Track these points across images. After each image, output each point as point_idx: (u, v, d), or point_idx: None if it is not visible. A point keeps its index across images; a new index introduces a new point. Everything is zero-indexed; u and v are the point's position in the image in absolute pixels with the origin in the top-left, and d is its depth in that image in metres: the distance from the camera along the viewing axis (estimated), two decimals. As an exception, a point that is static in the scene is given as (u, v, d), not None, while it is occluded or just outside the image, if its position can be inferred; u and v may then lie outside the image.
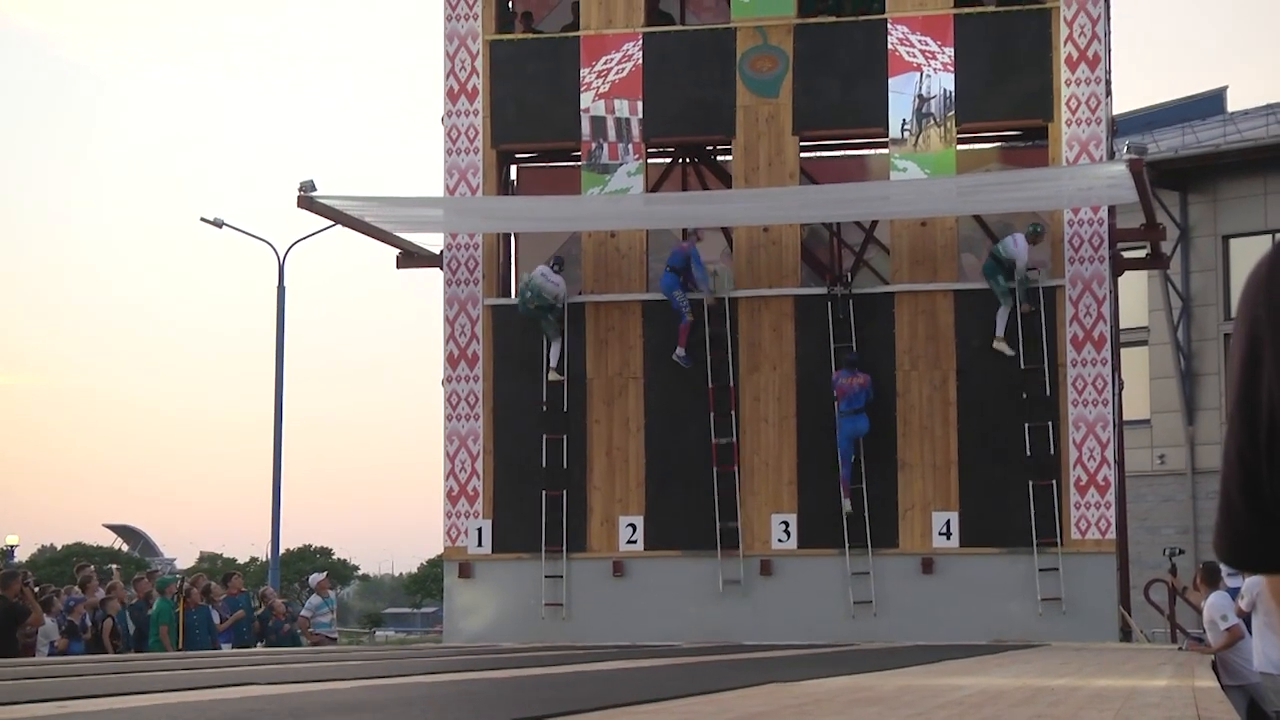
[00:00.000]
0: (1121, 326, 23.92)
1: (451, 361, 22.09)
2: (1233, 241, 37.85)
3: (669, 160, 23.88)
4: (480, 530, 21.82)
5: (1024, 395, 20.93)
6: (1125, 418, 24.19)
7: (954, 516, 20.91)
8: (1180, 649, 16.99)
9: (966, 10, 21.57)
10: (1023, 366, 20.93)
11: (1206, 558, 17.36)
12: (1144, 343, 37.94)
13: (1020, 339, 21.01)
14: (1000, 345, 20.93)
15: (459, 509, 21.89)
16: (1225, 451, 2.09)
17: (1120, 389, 22.19)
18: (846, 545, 20.94)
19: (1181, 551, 24.06)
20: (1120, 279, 22.35)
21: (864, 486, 20.99)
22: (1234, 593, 14.89)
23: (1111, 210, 21.38)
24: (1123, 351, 23.96)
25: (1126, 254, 22.92)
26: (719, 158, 23.27)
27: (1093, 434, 20.79)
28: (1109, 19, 21.70)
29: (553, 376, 21.71)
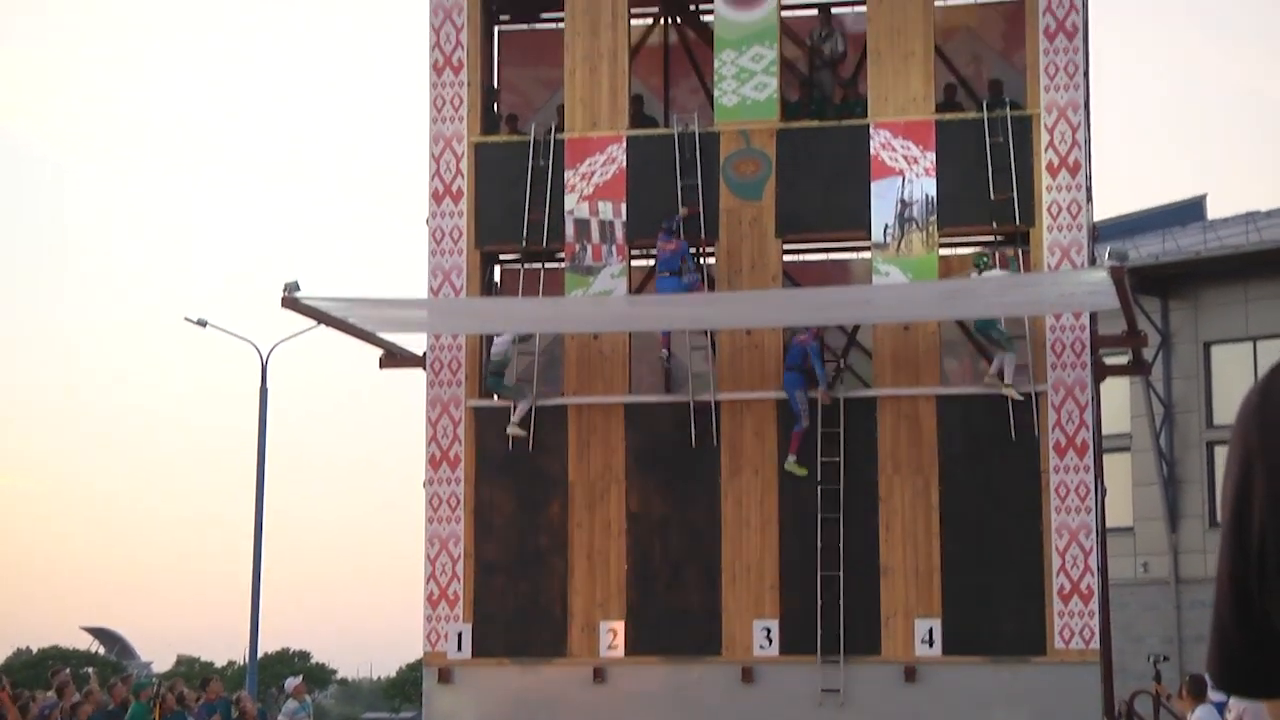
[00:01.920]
0: (1104, 433, 23.89)
1: (433, 463, 21.98)
2: (1214, 348, 37.97)
3: (652, 262, 23.90)
4: (460, 634, 21.62)
5: (1007, 501, 20.87)
6: (1108, 525, 24.11)
7: (937, 624, 20.76)
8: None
9: (948, 116, 21.71)
10: (1005, 470, 20.88)
11: (1191, 667, 17.25)
12: (1126, 449, 37.93)
13: (1003, 445, 20.98)
14: (1009, 390, 20.84)
15: (439, 612, 21.70)
16: (1218, 574, 2.13)
17: (1103, 496, 22.14)
18: (827, 653, 20.76)
19: (1166, 658, 23.91)
20: (1102, 385, 22.36)
21: (842, 593, 20.86)
22: (1220, 707, 14.76)
23: (1093, 316, 21.42)
24: (1105, 458, 23.92)
25: (1108, 360, 22.95)
26: (702, 260, 23.31)
27: (1076, 541, 20.70)
28: (1089, 126, 21.85)
29: (513, 431, 21.62)
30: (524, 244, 22.41)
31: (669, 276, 21.37)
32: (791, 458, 21.15)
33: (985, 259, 21.12)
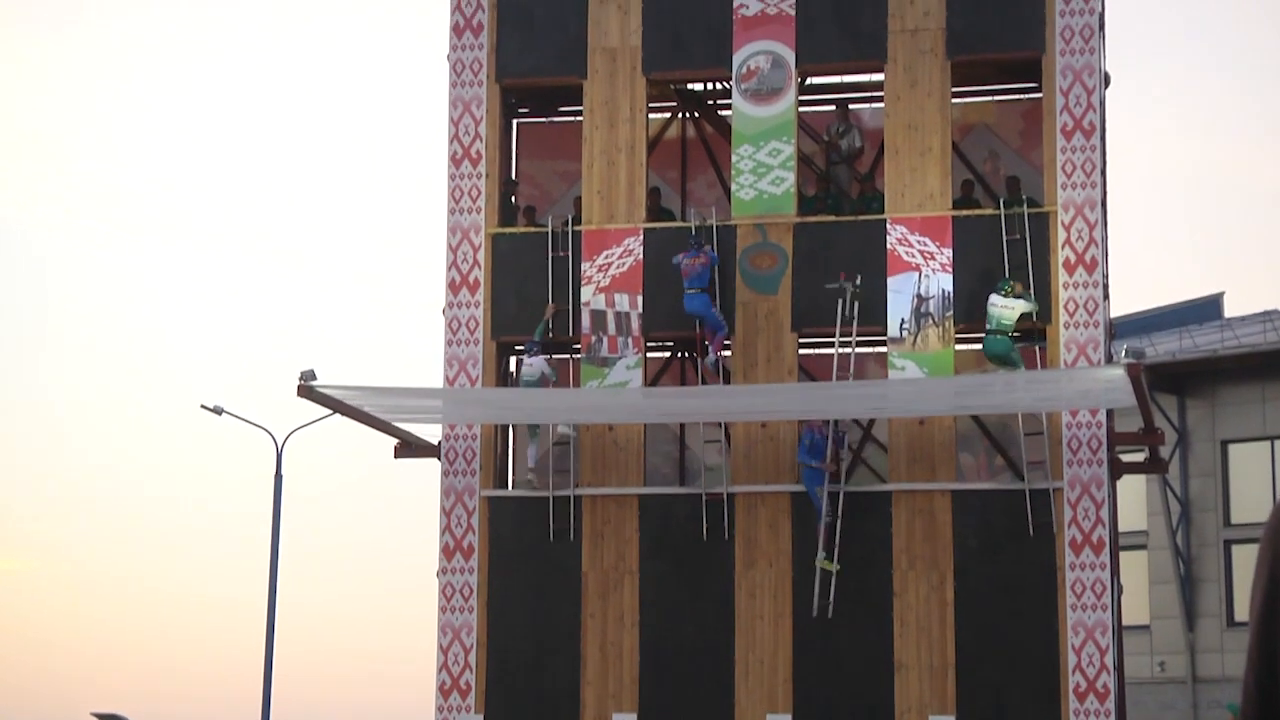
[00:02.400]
0: (1120, 530, 23.80)
1: (447, 553, 21.95)
2: (1231, 447, 37.83)
3: (668, 354, 23.97)
4: (470, 725, 21.50)
5: (1022, 598, 20.76)
6: (1124, 623, 23.97)
7: (951, 720, 20.61)
8: None
9: (965, 213, 21.79)
10: (1020, 566, 20.79)
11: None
12: (1143, 547, 37.73)
13: (1019, 540, 20.90)
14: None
15: (451, 703, 21.60)
16: (1244, 685, 2.22)
17: (1119, 594, 22.02)
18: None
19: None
20: (1119, 482, 22.29)
21: (856, 688, 20.72)
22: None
23: (1110, 413, 21.40)
24: (1122, 555, 23.81)
25: (1125, 457, 22.89)
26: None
27: (1092, 639, 20.57)
28: (1106, 224, 21.92)
29: (528, 478, 21.71)
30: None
31: (699, 294, 21.44)
32: (821, 554, 21.05)
33: (1008, 285, 21.13)
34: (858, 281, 21.28)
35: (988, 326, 20.99)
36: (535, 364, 21.80)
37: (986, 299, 20.96)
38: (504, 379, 22.94)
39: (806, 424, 21.45)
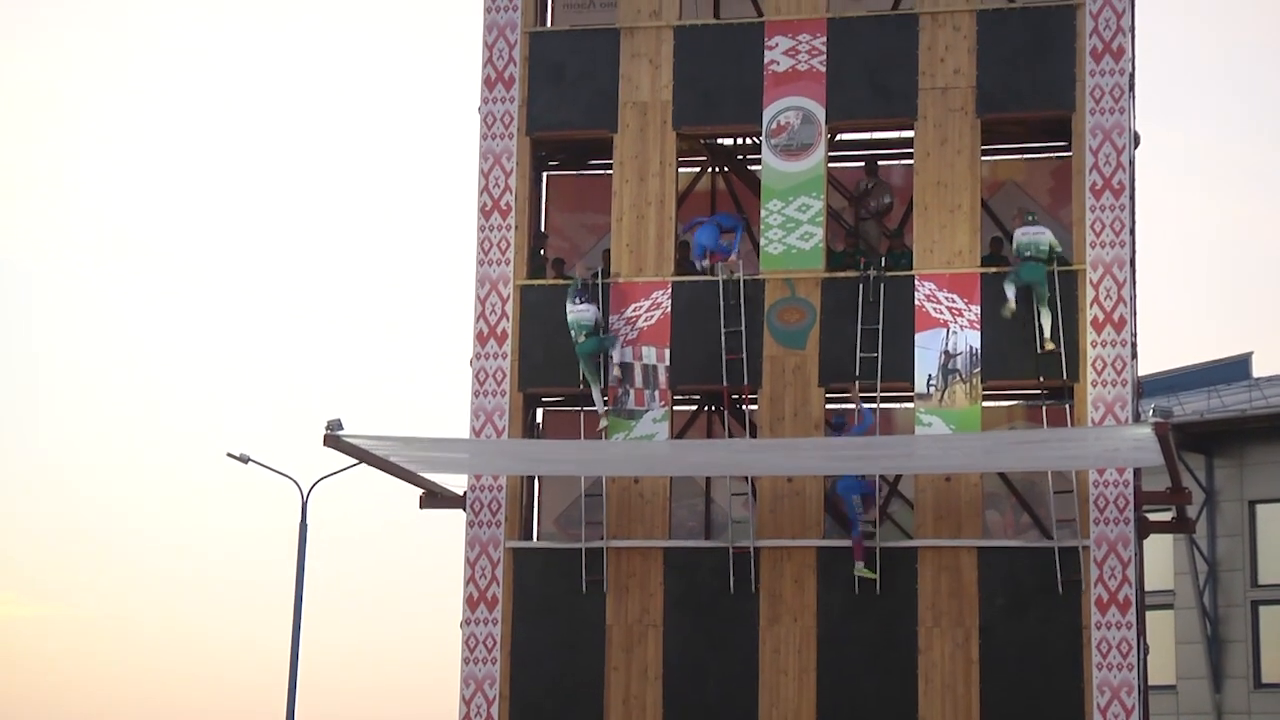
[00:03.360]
0: (1147, 589, 23.69)
1: (471, 604, 21.96)
2: (1260, 507, 37.64)
3: (694, 407, 23.99)
4: (493, 777, 21.47)
5: (1048, 656, 20.69)
6: (1150, 683, 23.84)
7: (975, 779, 20.53)
8: None
9: (994, 270, 21.81)
10: (1046, 624, 20.72)
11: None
12: (1169, 606, 37.53)
13: (1045, 599, 20.85)
14: (1051, 346, 21.11)
15: (472, 755, 21.55)
16: None
17: (1145, 654, 21.92)
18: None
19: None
20: (1145, 541, 22.22)
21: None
22: None
23: (1137, 472, 21.34)
24: (1148, 615, 23.70)
25: (1152, 516, 22.82)
26: (745, 406, 23.35)
27: (1117, 699, 20.49)
28: (1134, 283, 21.95)
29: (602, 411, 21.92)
30: (566, 387, 22.51)
31: (708, 226, 22.25)
32: (859, 564, 21.06)
33: (1032, 215, 21.61)
34: (882, 265, 21.67)
35: (1023, 254, 21.29)
36: (589, 310, 21.87)
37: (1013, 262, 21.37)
38: (530, 431, 22.98)
39: (837, 415, 21.76)
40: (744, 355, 21.82)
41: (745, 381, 21.94)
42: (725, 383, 21.85)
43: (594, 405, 22.16)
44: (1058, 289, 21.28)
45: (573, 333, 21.97)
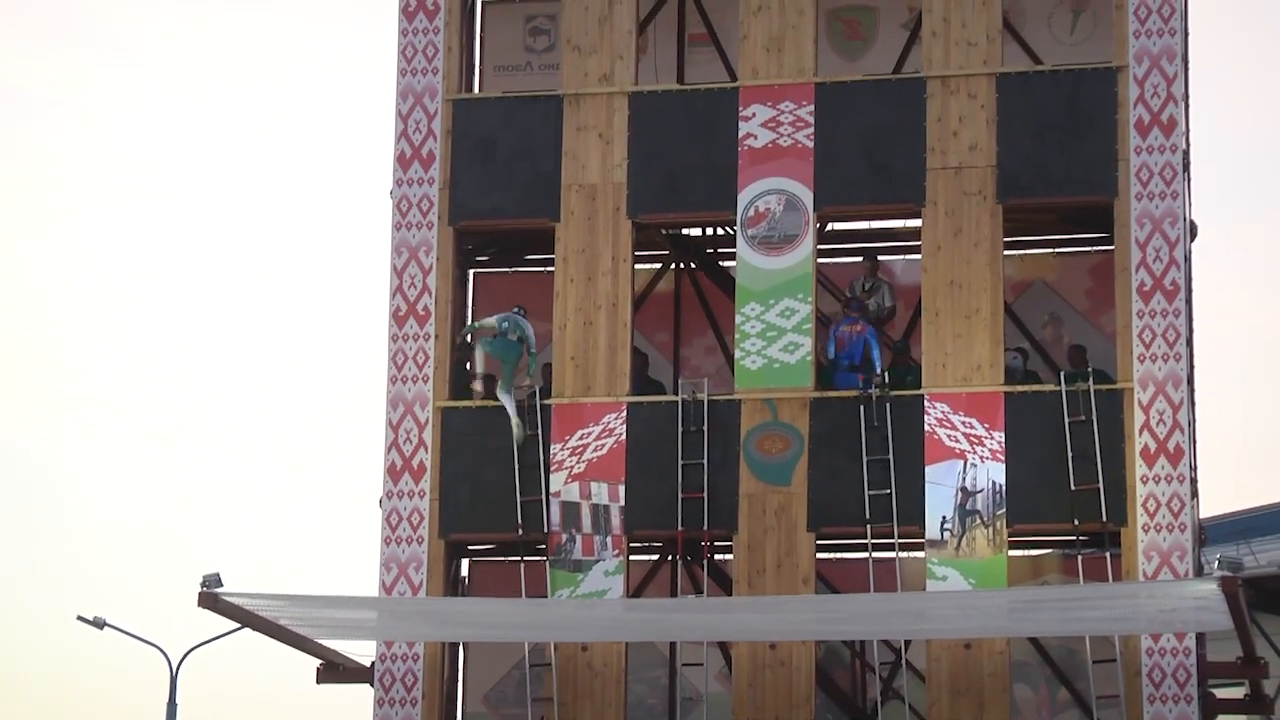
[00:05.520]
0: (1214, 783, 23.59)
1: (378, 802, 21.74)
2: (1350, 681, 37.66)
3: (655, 558, 23.91)
4: None
5: None
6: None
7: None
8: None
9: (1021, 388, 21.87)
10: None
11: None
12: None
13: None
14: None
15: None
16: None
17: None
18: None
19: None
20: (1212, 724, 22.15)
21: None
22: None
23: (1200, 639, 21.31)
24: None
25: (1220, 693, 22.76)
26: (716, 556, 23.28)
27: None
28: (1193, 405, 22.00)
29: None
30: (498, 532, 22.43)
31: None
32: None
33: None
34: (885, 380, 21.78)
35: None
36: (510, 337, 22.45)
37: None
38: (453, 586, 22.85)
39: (838, 327, 22.33)
40: (705, 494, 21.72)
41: (706, 526, 21.81)
42: (680, 527, 21.77)
43: (535, 553, 22.09)
44: (1095, 410, 21.35)
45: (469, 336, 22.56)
